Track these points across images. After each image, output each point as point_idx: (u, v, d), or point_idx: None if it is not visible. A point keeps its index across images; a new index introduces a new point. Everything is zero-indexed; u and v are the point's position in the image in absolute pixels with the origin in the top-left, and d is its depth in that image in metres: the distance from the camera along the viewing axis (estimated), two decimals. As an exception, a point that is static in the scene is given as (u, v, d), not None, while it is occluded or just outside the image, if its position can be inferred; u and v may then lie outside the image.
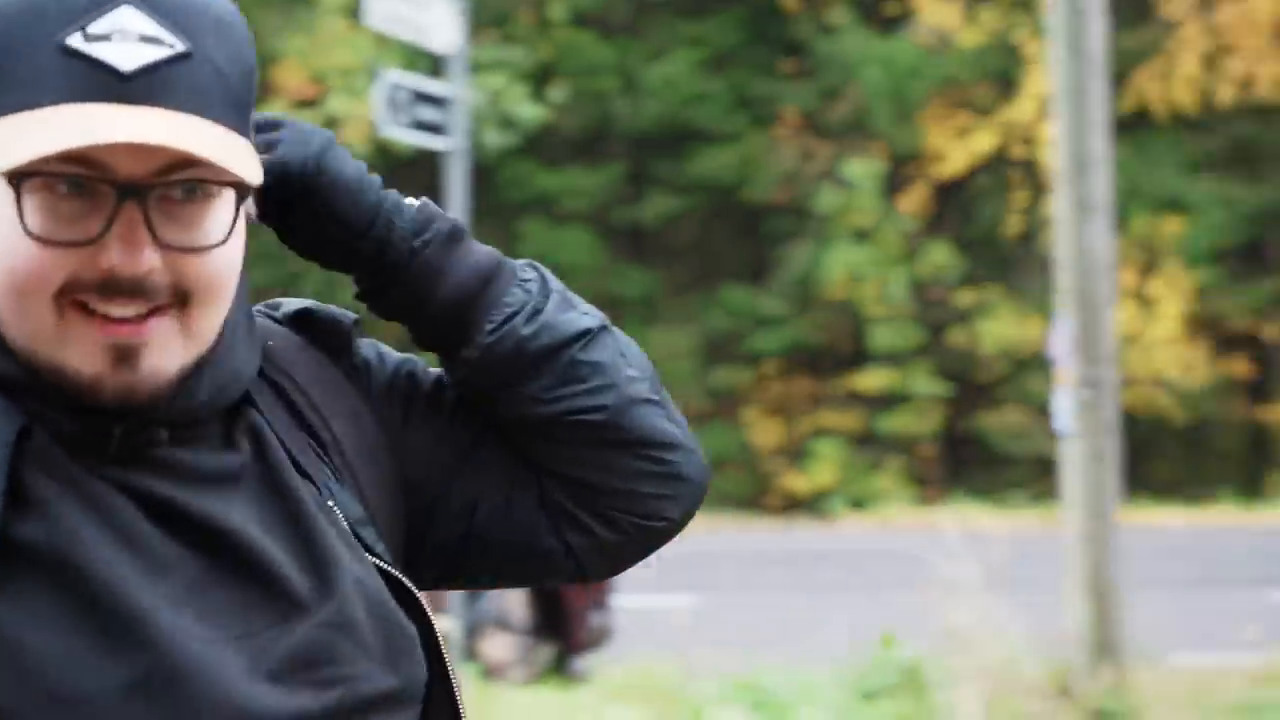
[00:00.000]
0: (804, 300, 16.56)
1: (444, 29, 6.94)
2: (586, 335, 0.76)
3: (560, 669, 6.19)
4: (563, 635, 6.65)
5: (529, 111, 13.14)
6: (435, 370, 0.81)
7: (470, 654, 6.09)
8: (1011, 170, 15.34)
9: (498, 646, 6.66)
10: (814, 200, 15.09)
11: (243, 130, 0.64)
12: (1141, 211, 13.90)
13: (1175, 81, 14.30)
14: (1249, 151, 15.62)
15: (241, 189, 0.63)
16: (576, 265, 14.99)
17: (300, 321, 0.80)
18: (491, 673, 6.18)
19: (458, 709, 0.75)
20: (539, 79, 14.88)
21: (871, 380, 15.24)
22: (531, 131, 13.74)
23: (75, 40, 0.59)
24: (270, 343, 0.75)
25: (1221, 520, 12.59)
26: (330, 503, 0.71)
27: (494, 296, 0.74)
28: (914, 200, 15.40)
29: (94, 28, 0.59)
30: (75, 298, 0.61)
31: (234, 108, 0.62)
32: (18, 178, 0.59)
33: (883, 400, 15.08)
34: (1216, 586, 8.26)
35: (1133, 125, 13.86)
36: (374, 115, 7.18)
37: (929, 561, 4.54)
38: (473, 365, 0.75)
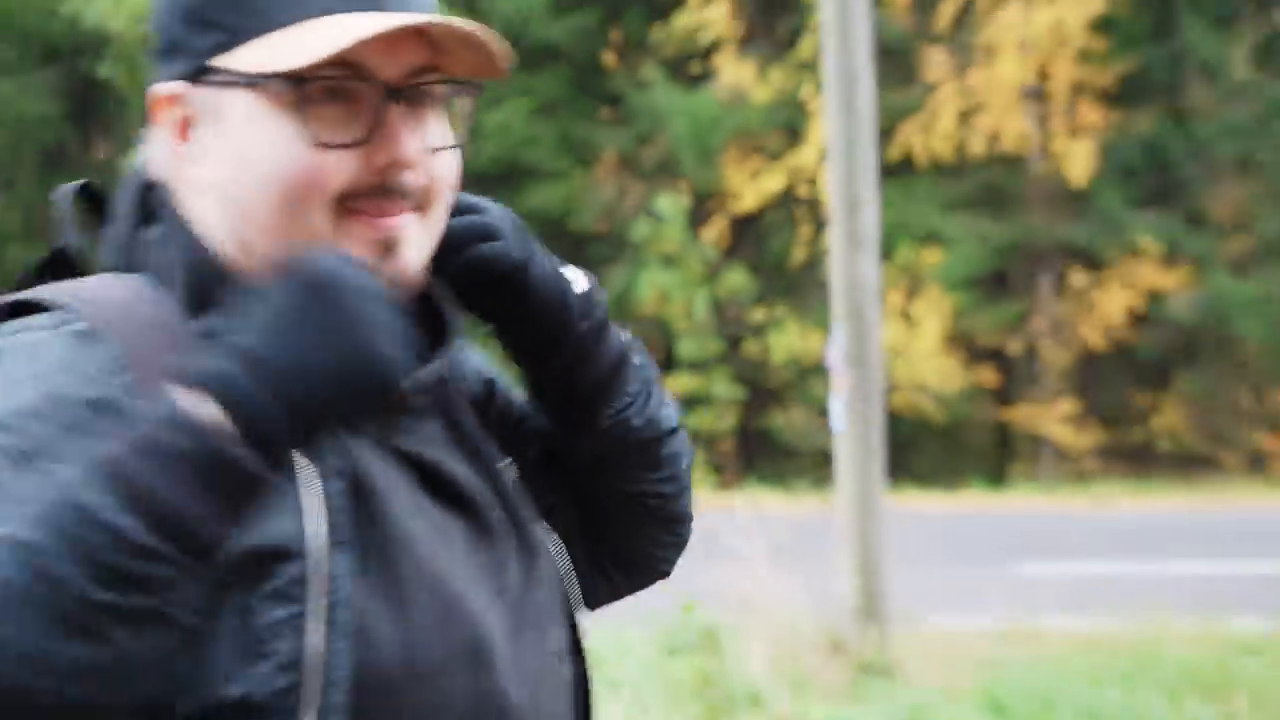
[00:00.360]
0: (621, 315, 16.99)
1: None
2: (673, 432, 0.77)
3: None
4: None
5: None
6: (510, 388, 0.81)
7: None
8: (797, 207, 16.54)
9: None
10: (629, 230, 15.77)
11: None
12: (906, 243, 15.32)
13: (935, 134, 15.73)
14: (996, 194, 17.60)
15: (477, 91, 0.66)
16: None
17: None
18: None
19: (586, 665, 0.75)
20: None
21: (678, 384, 15.95)
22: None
23: None
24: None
25: (972, 505, 13.09)
26: (505, 470, 0.72)
27: (620, 385, 0.73)
28: (714, 231, 16.42)
29: None
30: (348, 203, 0.60)
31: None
32: (296, 84, 0.58)
33: (688, 401, 15.80)
34: (967, 560, 8.45)
35: (899, 170, 15.15)
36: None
37: (725, 538, 4.72)
38: (585, 442, 0.74)
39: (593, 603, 0.79)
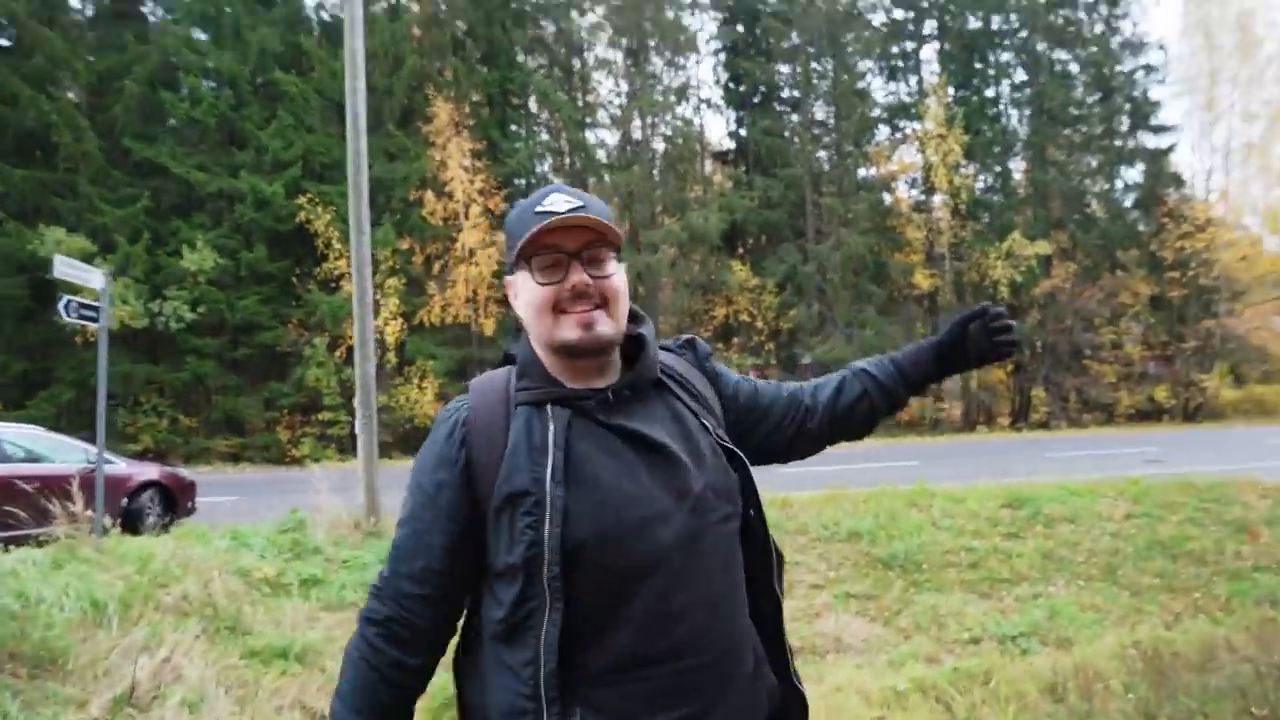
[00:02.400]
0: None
1: None
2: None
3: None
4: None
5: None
6: (739, 379, 1.50)
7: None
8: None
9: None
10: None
11: (614, 231, 1.26)
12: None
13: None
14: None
15: (618, 250, 1.25)
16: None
17: (687, 344, 1.47)
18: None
19: (765, 526, 1.33)
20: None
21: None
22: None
23: (539, 207, 1.25)
24: (663, 358, 1.37)
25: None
26: (702, 422, 1.32)
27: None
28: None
29: (543, 204, 1.26)
30: (560, 306, 1.22)
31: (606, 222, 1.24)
32: (528, 259, 1.22)
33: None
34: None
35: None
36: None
37: (317, 483, 8.92)
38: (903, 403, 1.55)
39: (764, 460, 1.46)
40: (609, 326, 1.25)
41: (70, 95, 21.91)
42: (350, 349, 21.84)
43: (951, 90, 29.63)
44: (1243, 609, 8.82)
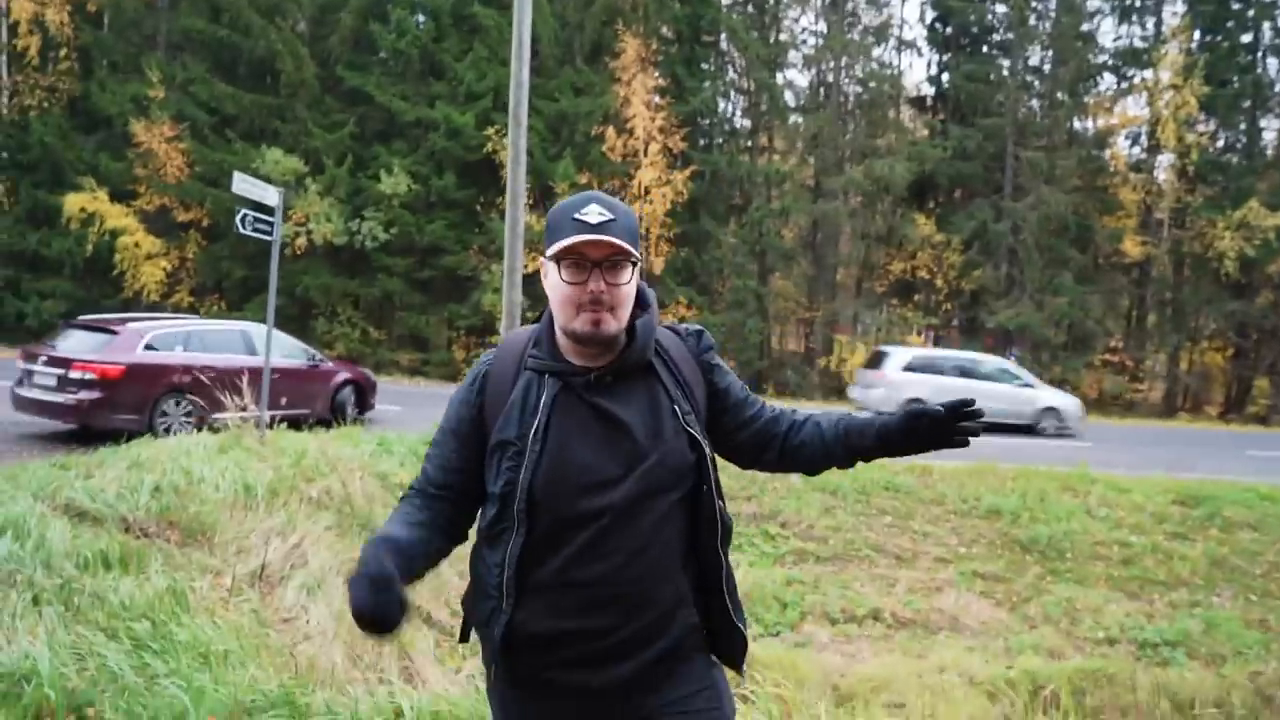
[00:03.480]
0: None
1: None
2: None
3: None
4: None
5: None
6: (733, 381, 1.73)
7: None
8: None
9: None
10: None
11: (635, 246, 1.51)
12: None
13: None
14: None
15: (636, 264, 1.52)
16: None
17: (692, 334, 1.71)
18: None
19: (714, 499, 1.61)
20: None
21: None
22: None
23: (576, 215, 1.50)
24: (660, 339, 1.63)
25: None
26: (675, 406, 1.58)
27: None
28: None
29: (581, 212, 1.51)
30: (579, 304, 1.50)
31: (631, 240, 1.51)
32: (557, 260, 1.51)
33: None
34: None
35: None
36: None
37: None
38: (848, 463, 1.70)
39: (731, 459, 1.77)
40: (613, 326, 1.53)
41: (294, 26, 23.81)
42: (524, 277, 22.85)
43: (1197, 35, 26.18)
44: None
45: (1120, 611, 8.30)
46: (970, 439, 1.61)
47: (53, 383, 8.96)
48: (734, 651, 1.69)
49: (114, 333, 9.49)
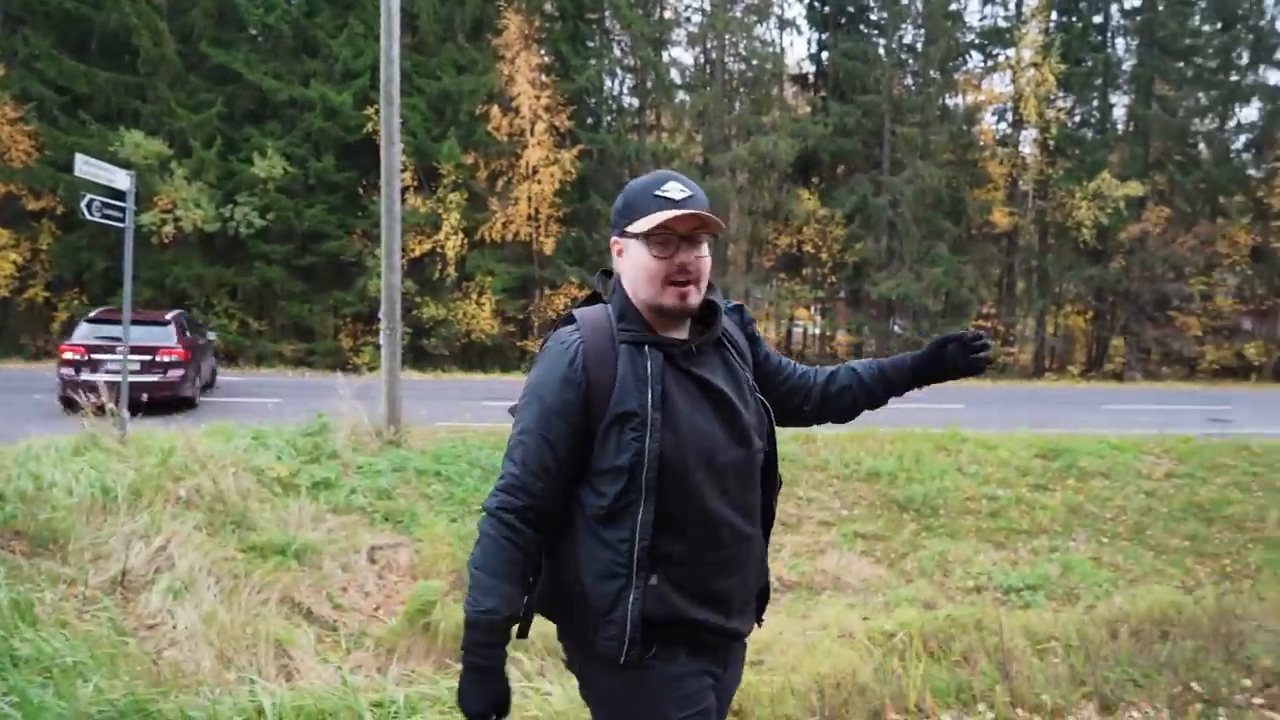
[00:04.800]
0: None
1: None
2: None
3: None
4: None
5: None
6: (769, 349, 1.88)
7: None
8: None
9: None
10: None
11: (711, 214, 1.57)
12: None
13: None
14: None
15: (716, 236, 1.64)
16: None
17: (735, 309, 1.82)
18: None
19: (776, 458, 1.75)
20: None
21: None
22: None
23: (658, 192, 1.60)
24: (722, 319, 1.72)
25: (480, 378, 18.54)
26: (745, 374, 1.72)
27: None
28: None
29: (662, 189, 1.60)
30: (667, 279, 1.59)
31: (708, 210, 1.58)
32: (646, 236, 1.58)
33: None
34: (461, 399, 12.52)
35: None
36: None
37: (340, 390, 9.16)
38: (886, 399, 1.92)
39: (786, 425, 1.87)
40: (697, 298, 1.62)
41: (150, -1, 22.35)
42: (411, 262, 22.40)
43: (1054, 15, 27.64)
44: (1274, 579, 8.42)
45: (988, 561, 8.80)
46: (985, 365, 1.84)
47: (138, 366, 11.24)
48: (765, 603, 1.82)
49: (166, 323, 12.50)
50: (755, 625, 1.79)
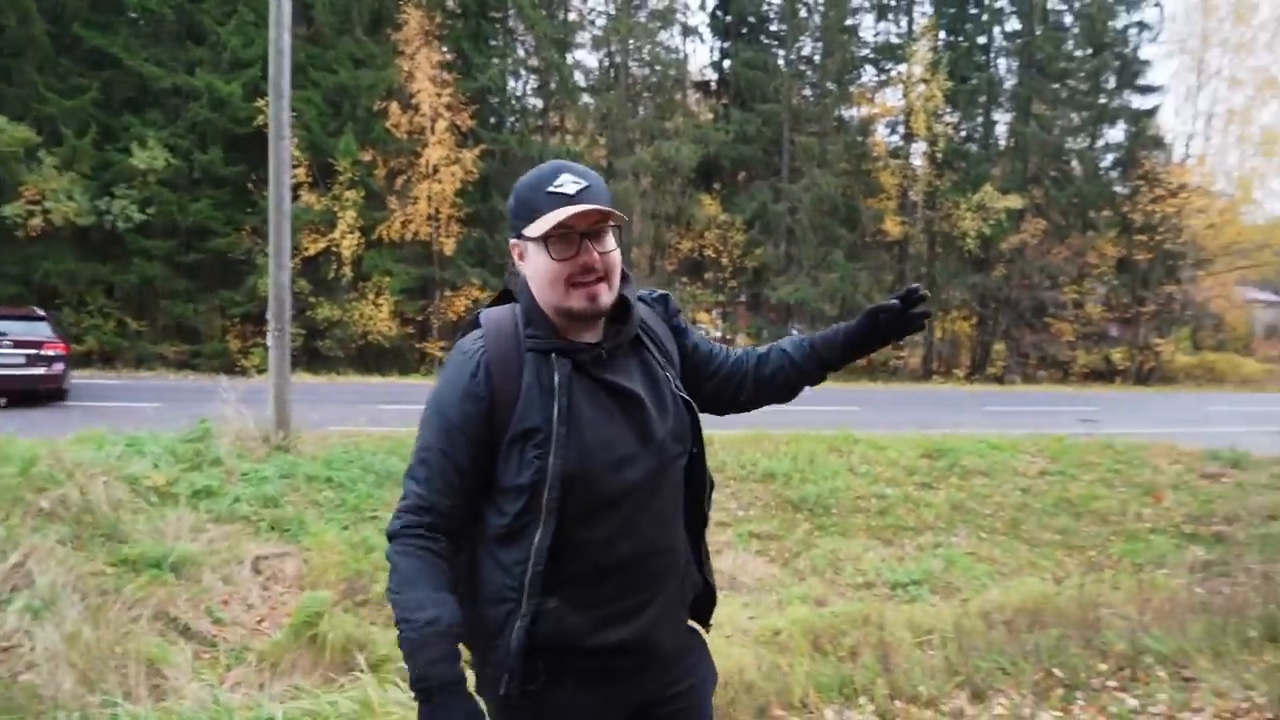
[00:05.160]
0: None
1: None
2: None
3: None
4: None
5: None
6: (699, 338, 1.76)
7: None
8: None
9: None
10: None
11: (613, 207, 1.44)
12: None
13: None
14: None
15: (619, 226, 1.47)
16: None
17: (659, 300, 1.72)
18: None
19: (704, 460, 1.64)
20: None
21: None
22: None
23: (550, 188, 1.44)
24: (638, 310, 1.59)
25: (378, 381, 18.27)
26: (666, 373, 1.59)
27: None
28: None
29: (555, 185, 1.45)
30: (571, 280, 1.45)
31: (609, 203, 1.45)
32: (544, 239, 1.43)
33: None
34: (356, 402, 11.92)
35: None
36: None
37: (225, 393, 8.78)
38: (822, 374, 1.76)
39: (717, 412, 1.78)
40: (608, 297, 1.50)
41: (16, -25, 20.86)
42: (305, 261, 21.58)
43: (942, 34, 28.92)
44: (1131, 569, 9.00)
45: (876, 558, 9.11)
46: (924, 324, 1.72)
47: (23, 360, 11.44)
48: (709, 608, 1.73)
49: (43, 318, 12.50)
50: (704, 630, 1.73)
